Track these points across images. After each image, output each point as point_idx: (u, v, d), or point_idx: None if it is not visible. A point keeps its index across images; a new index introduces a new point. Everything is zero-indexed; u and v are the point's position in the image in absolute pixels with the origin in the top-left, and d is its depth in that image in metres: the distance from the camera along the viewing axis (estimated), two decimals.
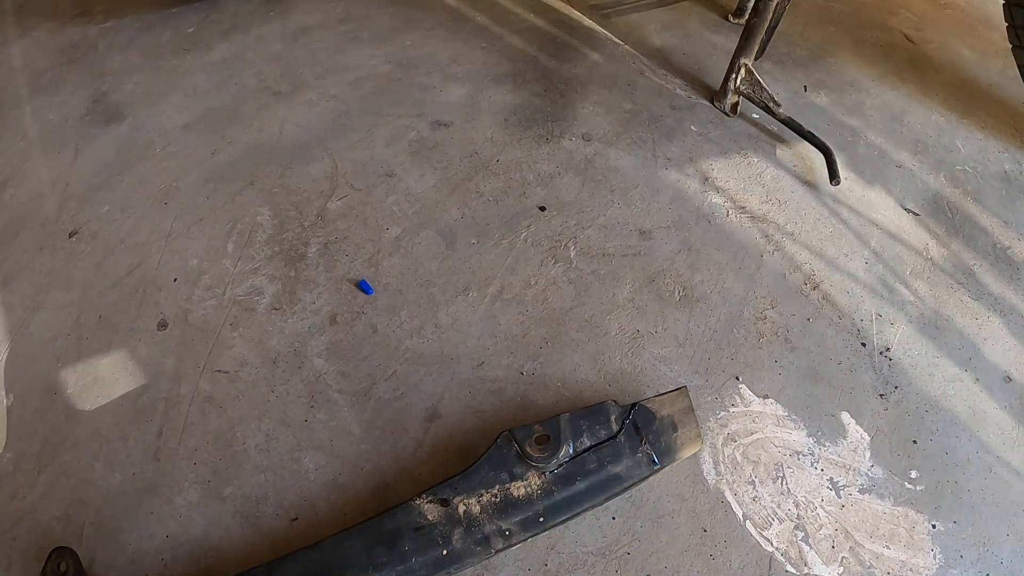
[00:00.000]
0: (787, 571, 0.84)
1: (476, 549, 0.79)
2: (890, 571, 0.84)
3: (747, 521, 0.88)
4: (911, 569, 0.85)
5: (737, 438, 0.95)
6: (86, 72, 1.50)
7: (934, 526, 0.88)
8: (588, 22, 1.63)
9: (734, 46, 1.33)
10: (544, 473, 0.83)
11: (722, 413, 0.97)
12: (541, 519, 0.81)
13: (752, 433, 0.95)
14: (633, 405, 0.89)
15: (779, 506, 0.89)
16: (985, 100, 1.47)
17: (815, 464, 0.93)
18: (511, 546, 0.80)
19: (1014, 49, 1.36)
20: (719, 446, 0.94)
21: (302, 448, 0.93)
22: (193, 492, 0.89)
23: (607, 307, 1.08)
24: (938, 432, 0.97)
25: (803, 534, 0.87)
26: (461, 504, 0.81)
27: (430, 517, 0.80)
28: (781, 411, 0.98)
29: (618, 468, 0.85)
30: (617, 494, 0.85)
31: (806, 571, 0.84)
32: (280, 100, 1.41)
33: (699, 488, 0.90)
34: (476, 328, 1.05)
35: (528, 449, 0.84)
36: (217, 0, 1.69)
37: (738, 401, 0.98)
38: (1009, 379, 1.03)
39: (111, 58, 1.53)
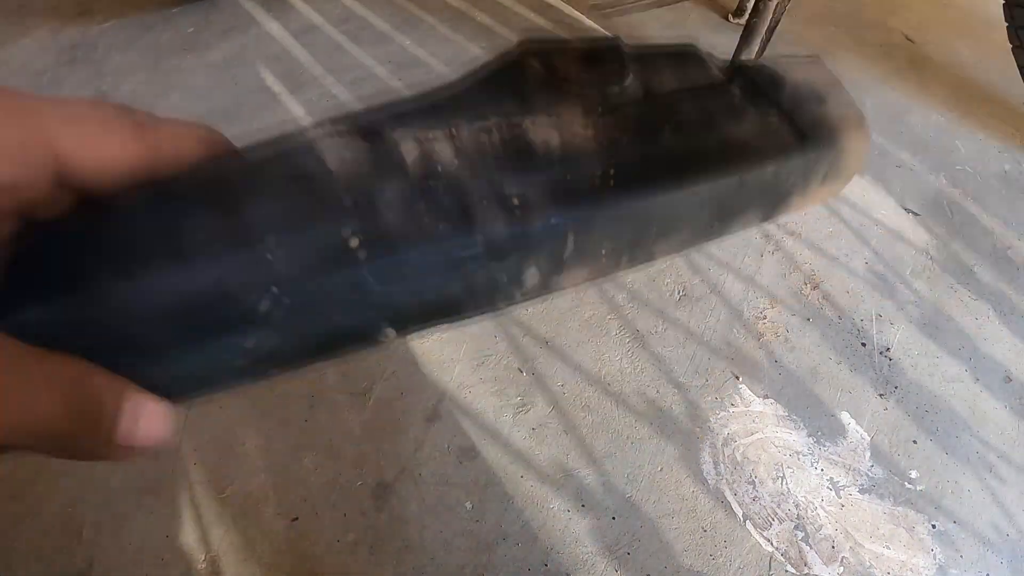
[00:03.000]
0: (787, 571, 0.84)
1: (428, 224, 0.22)
2: (890, 571, 0.84)
3: (747, 521, 0.88)
4: (911, 569, 0.85)
5: (737, 438, 0.95)
6: (86, 72, 1.50)
7: (934, 526, 0.88)
8: (588, 22, 1.63)
9: (734, 46, 1.33)
10: (598, 108, 0.28)
11: (722, 413, 0.97)
12: (601, 180, 0.25)
13: (752, 433, 0.95)
14: (738, 62, 0.40)
15: (779, 506, 0.89)
16: (985, 100, 1.47)
17: (815, 464, 0.93)
18: (533, 234, 0.25)
19: (1014, 49, 1.36)
20: (719, 446, 0.94)
21: (302, 448, 0.93)
22: (193, 492, 0.89)
23: (607, 307, 1.08)
24: (938, 432, 0.97)
25: (803, 534, 0.87)
26: (408, 141, 0.24)
27: (330, 162, 0.23)
28: (781, 411, 0.98)
29: (742, 130, 0.33)
30: (746, 171, 0.30)
31: (806, 571, 0.84)
32: (280, 100, 1.41)
33: (699, 488, 0.90)
34: (476, 328, 1.05)
35: (564, 66, 0.31)
36: (217, 0, 1.69)
37: (738, 401, 0.98)
38: (1009, 379, 1.03)
39: (111, 58, 1.53)
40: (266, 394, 0.97)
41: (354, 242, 0.22)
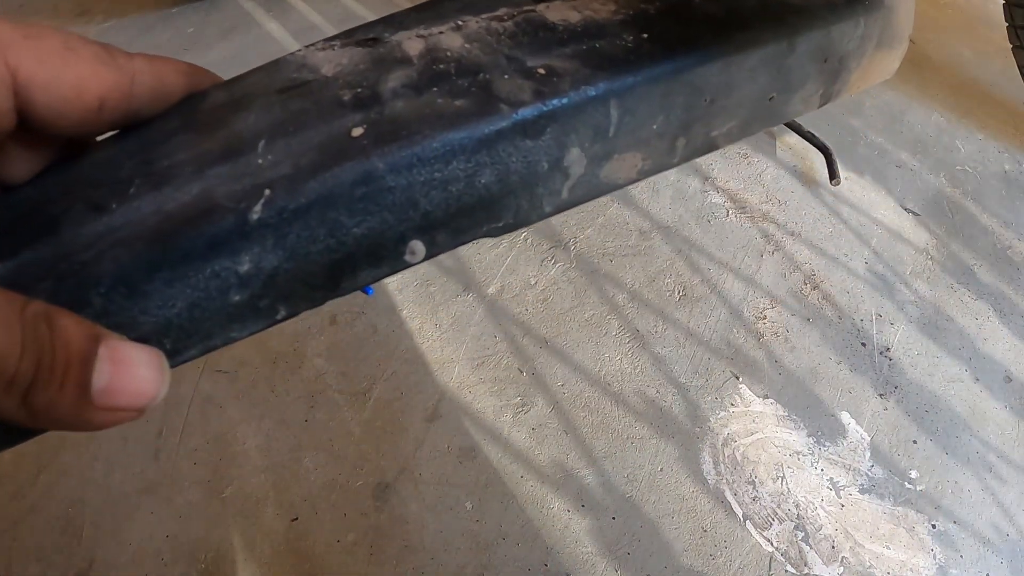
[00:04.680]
0: (787, 571, 0.84)
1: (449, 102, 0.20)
2: (890, 571, 0.84)
3: (747, 521, 0.88)
4: (911, 569, 0.85)
5: (737, 438, 0.95)
6: None
7: (934, 526, 0.88)
8: None
9: None
10: None
11: (722, 413, 0.97)
12: (635, 45, 0.23)
13: (752, 433, 0.95)
14: None
15: (779, 506, 0.89)
16: (985, 100, 1.47)
17: (815, 464, 0.93)
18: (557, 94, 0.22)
19: (1014, 49, 1.36)
20: (719, 446, 0.94)
21: (302, 448, 0.93)
22: (193, 492, 0.89)
23: (607, 307, 1.08)
24: (938, 432, 0.97)
25: (803, 534, 0.87)
26: (411, 39, 0.23)
27: (325, 69, 0.22)
28: (781, 411, 0.98)
29: None
30: (794, 32, 0.26)
31: (806, 571, 0.84)
32: None
33: (699, 488, 0.90)
34: (476, 328, 1.05)
35: None
36: (217, 0, 1.69)
37: (738, 401, 0.98)
38: (1009, 379, 1.03)
39: None
40: (266, 394, 0.97)
41: (357, 131, 0.19)
